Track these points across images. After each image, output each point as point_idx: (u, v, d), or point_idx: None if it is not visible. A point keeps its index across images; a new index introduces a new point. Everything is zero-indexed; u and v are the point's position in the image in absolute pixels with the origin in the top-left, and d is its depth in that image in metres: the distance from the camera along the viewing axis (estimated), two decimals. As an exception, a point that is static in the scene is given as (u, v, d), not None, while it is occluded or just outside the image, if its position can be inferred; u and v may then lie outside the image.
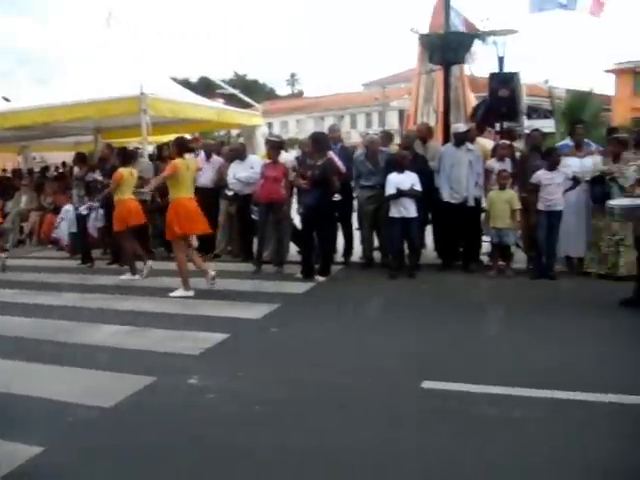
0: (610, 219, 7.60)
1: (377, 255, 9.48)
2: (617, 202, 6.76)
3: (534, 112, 31.70)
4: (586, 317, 6.61)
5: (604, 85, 51.20)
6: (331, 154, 8.80)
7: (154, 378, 4.94)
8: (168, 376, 5.01)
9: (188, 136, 12.32)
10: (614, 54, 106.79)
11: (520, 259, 9.22)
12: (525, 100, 25.27)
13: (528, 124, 25.83)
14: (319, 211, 8.43)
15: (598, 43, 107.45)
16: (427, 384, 4.71)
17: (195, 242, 10.67)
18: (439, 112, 10.95)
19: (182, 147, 8.17)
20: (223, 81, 21.82)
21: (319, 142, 8.69)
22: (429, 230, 9.75)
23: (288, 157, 9.78)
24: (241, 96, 15.43)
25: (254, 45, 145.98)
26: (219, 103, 15.54)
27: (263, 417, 4.22)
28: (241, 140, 14.08)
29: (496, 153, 9.09)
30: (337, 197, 8.60)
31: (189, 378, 4.95)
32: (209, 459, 3.64)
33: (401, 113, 39.80)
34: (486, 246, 9.34)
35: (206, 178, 10.30)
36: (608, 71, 50.63)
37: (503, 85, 9.97)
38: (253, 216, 9.50)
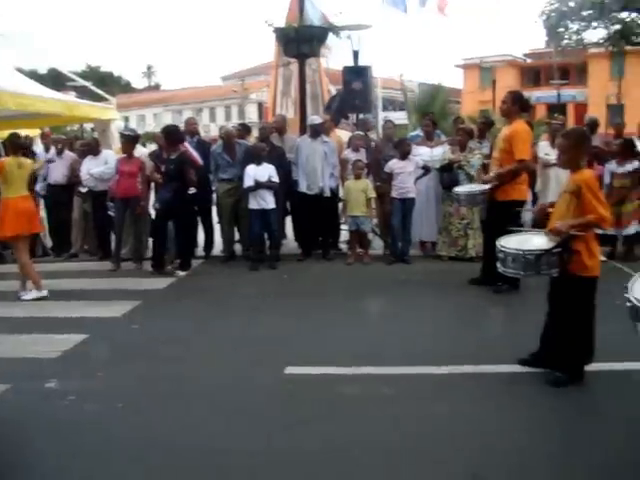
0: (456, 204, 8.06)
1: (238, 248, 9.49)
2: (462, 189, 7.17)
3: (390, 104, 32.83)
4: (439, 296, 7.04)
5: (454, 79, 53.87)
6: (187, 147, 8.69)
7: (9, 385, 4.68)
8: (25, 382, 4.76)
9: (36, 131, 11.71)
10: (462, 50, 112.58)
11: (378, 245, 9.58)
12: (381, 93, 26.09)
13: (384, 116, 26.69)
14: (175, 205, 8.29)
15: (449, 39, 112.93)
16: (290, 370, 4.82)
17: (49, 242, 10.24)
18: (297, 104, 11.10)
19: (13, 145, 7.62)
20: (75, 73, 20.87)
21: (172, 135, 8.54)
22: (289, 221, 9.90)
23: (143, 151, 9.56)
24: (94, 89, 14.84)
25: (108, 36, 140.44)
26: (71, 96, 14.87)
27: (126, 414, 4.15)
28: (95, 135, 13.55)
29: (351, 144, 9.35)
30: (192, 190, 8.49)
31: (47, 382, 4.74)
32: (72, 459, 3.55)
33: (260, 106, 39.94)
34: (345, 234, 9.60)
35: (58, 175, 9.86)
36: (457, 66, 53.33)
37: (356, 78, 10.22)
38: (109, 213, 9.20)
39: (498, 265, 4.50)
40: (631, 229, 8.72)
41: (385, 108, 29.07)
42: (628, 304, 2.31)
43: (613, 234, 8.59)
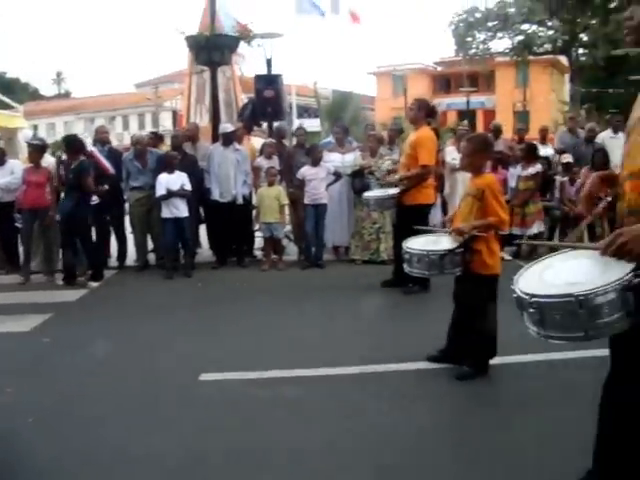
0: (367, 209, 8.27)
1: (152, 257, 9.41)
2: (371, 193, 7.36)
3: (305, 112, 33.13)
4: (352, 299, 7.19)
5: (368, 86, 54.80)
6: (97, 155, 8.56)
7: None
8: None
9: None
10: (376, 58, 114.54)
11: (292, 251, 9.70)
12: (296, 100, 26.27)
13: (299, 123, 26.95)
14: (76, 216, 8.10)
15: (363, 47, 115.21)
16: (204, 376, 4.83)
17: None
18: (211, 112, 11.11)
19: None
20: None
21: (71, 145, 8.34)
22: (203, 229, 9.88)
23: (51, 160, 9.33)
24: (-1, 96, 14.37)
25: (14, 41, 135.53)
26: (-27, 104, 14.34)
27: (38, 429, 4.07)
28: (1, 144, 13.12)
29: (264, 151, 9.44)
30: (95, 200, 8.35)
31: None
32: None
33: (175, 114, 39.48)
34: (259, 241, 9.67)
35: (-40, 186, 9.50)
36: (370, 74, 54.28)
37: (268, 86, 10.36)
38: (17, 224, 8.94)
39: (404, 266, 4.67)
40: (534, 229, 9.19)
41: (300, 115, 29.33)
42: (514, 295, 2.48)
43: (519, 234, 9.06)
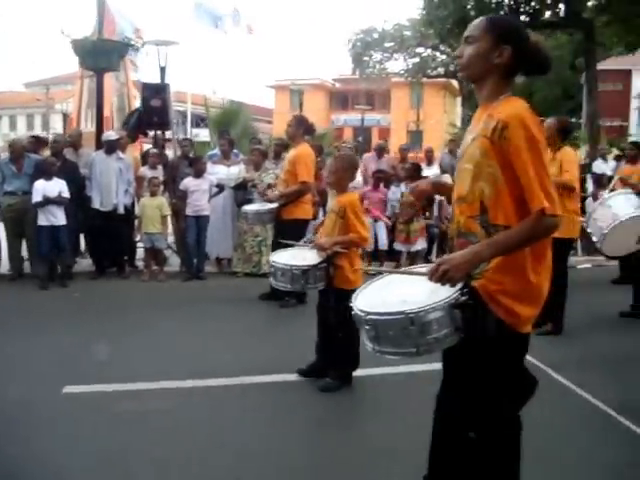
0: (245, 223, 8.33)
1: (27, 265, 9.09)
2: (250, 207, 7.43)
3: (202, 121, 32.84)
4: (230, 312, 7.24)
5: (268, 99, 54.96)
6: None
7: None
8: None
9: None
10: (276, 71, 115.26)
11: (175, 262, 9.62)
12: (192, 109, 26.03)
13: (195, 133, 26.67)
14: None
15: (265, 60, 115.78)
16: (68, 389, 4.75)
17: None
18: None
19: None
20: None
21: None
22: (83, 237, 9.65)
23: None
24: None
25: None
26: None
27: None
28: None
29: (148, 161, 9.35)
30: None
31: None
32: None
33: (65, 116, 38.22)
34: (141, 252, 9.54)
35: None
36: (269, 87, 54.53)
37: (155, 95, 10.24)
38: None
39: (270, 279, 4.77)
40: (418, 245, 9.56)
41: (197, 125, 29.04)
42: (352, 312, 2.61)
43: (403, 250, 9.45)
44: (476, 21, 2.61)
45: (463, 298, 2.39)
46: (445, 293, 2.40)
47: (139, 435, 4.01)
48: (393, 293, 2.66)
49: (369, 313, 2.52)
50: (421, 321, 2.38)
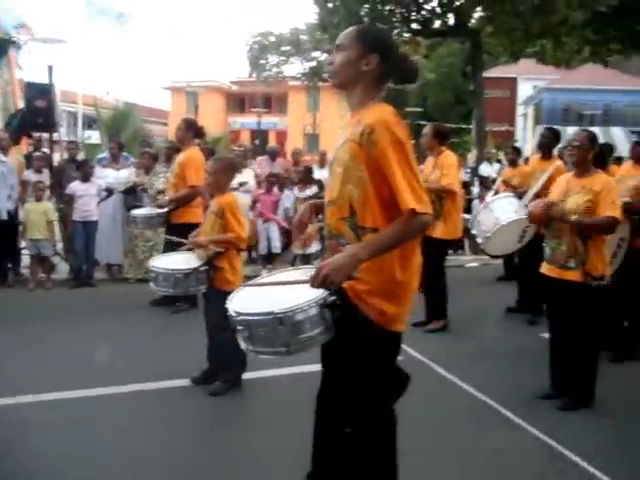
0: (135, 227, 8.18)
1: None
2: (139, 212, 7.27)
3: (94, 123, 31.88)
4: (121, 319, 7.11)
5: (163, 101, 54.01)
6: None
7: None
8: None
9: None
10: (173, 73, 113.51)
11: (64, 269, 9.31)
12: (84, 110, 25.22)
13: (87, 134, 25.84)
14: None
15: (161, 61, 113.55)
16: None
17: None
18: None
19: None
20: None
21: None
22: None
23: None
24: None
25: None
26: None
27: None
28: None
29: (33, 165, 9.01)
30: None
31: None
32: None
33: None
34: (26, 259, 9.17)
35: None
36: (165, 88, 53.62)
37: (39, 95, 9.85)
38: None
39: (151, 284, 4.72)
40: (312, 248, 9.66)
41: (89, 126, 28.16)
42: (227, 313, 2.65)
43: (300, 253, 9.55)
44: (347, 30, 2.70)
45: (331, 298, 2.48)
46: (315, 293, 2.47)
47: (48, 447, 3.94)
48: (269, 293, 2.72)
49: (241, 314, 2.56)
50: (290, 321, 2.45)
